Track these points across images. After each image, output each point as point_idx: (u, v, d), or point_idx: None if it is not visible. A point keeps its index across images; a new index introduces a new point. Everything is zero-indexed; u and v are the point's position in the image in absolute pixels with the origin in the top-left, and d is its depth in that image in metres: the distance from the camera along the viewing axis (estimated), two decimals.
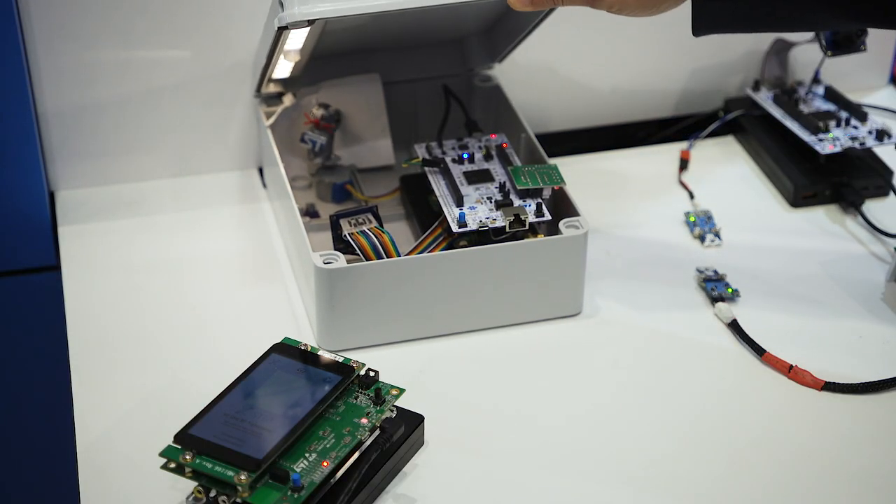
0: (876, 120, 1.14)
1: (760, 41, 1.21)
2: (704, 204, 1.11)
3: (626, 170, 1.16)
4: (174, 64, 1.08)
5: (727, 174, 1.16)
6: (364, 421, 0.81)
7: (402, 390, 0.83)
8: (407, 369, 0.92)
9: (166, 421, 0.88)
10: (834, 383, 0.90)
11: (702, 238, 1.07)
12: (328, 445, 0.79)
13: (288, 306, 0.99)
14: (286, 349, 0.85)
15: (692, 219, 1.08)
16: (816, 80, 1.19)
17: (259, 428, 0.79)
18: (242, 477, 0.75)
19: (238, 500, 0.76)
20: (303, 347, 0.85)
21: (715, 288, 1.00)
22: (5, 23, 0.99)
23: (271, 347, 0.85)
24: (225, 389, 0.82)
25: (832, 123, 1.13)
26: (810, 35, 1.13)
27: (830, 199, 1.11)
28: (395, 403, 0.83)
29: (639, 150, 1.20)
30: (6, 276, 1.09)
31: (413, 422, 0.84)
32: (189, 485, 0.78)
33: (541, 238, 0.94)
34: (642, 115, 1.23)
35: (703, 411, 0.89)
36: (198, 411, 0.81)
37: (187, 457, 0.77)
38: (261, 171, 1.14)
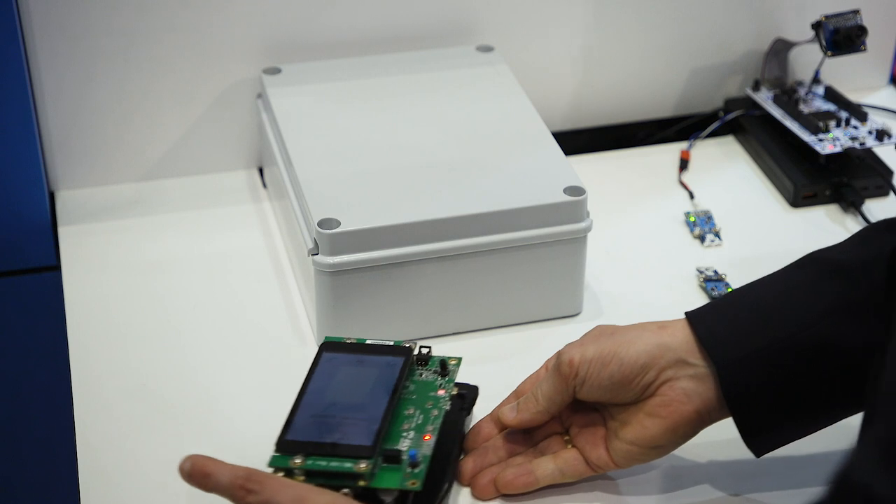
0: (876, 120, 1.14)
1: (760, 41, 1.21)
2: (704, 204, 1.11)
3: (626, 170, 1.16)
4: (174, 64, 1.08)
5: (727, 174, 1.16)
6: (441, 392, 0.83)
7: (459, 359, 0.85)
8: None
9: (167, 421, 0.88)
10: None
11: (702, 238, 1.07)
12: (420, 421, 0.81)
13: (288, 306, 0.99)
14: (335, 346, 0.85)
15: (692, 219, 1.08)
16: (816, 80, 1.19)
17: (353, 419, 0.79)
18: (362, 465, 0.76)
19: (357, 488, 0.77)
20: (349, 341, 0.86)
21: (715, 288, 1.00)
22: (5, 23, 0.99)
23: (321, 346, 0.86)
24: (298, 394, 0.82)
25: (832, 123, 1.13)
26: (810, 35, 1.13)
27: (830, 199, 1.11)
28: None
29: (639, 150, 1.20)
30: (6, 276, 1.09)
31: (473, 389, 0.86)
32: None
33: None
34: (642, 115, 1.23)
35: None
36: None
37: (297, 461, 0.77)
38: (261, 171, 1.14)
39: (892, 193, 1.12)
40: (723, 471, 0.85)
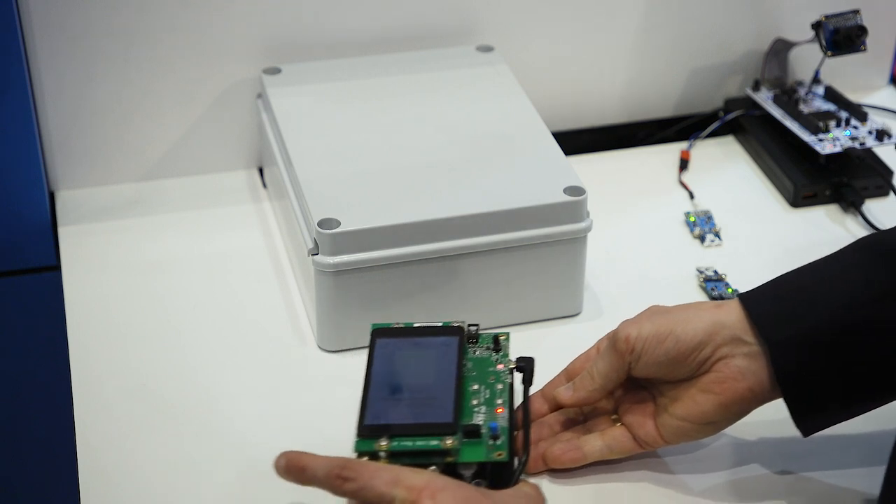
0: (876, 120, 1.14)
1: (760, 41, 1.21)
2: (704, 204, 1.11)
3: (626, 170, 1.16)
4: (174, 64, 1.08)
5: (727, 174, 1.16)
6: (501, 367, 0.84)
7: (508, 334, 0.86)
8: None
9: (167, 421, 0.88)
10: None
11: (702, 238, 1.07)
12: (487, 396, 0.82)
13: (288, 306, 0.99)
14: (385, 332, 0.86)
15: (692, 219, 1.08)
16: (816, 80, 1.19)
17: (426, 398, 0.80)
18: (449, 441, 0.77)
19: (444, 464, 0.78)
20: (396, 325, 0.87)
21: (715, 288, 1.00)
22: (5, 23, 0.99)
23: (372, 334, 0.86)
24: (364, 381, 0.82)
25: (832, 123, 1.13)
26: (810, 35, 1.13)
27: (830, 199, 1.11)
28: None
29: (639, 150, 1.20)
30: (6, 276, 1.09)
31: (530, 361, 0.86)
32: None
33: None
34: (642, 115, 1.23)
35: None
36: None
37: (382, 444, 0.78)
38: (261, 171, 1.14)
39: (892, 193, 1.12)
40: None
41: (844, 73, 1.22)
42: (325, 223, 0.90)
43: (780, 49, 1.20)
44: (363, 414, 0.79)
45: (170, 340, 0.96)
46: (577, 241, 0.95)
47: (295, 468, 0.75)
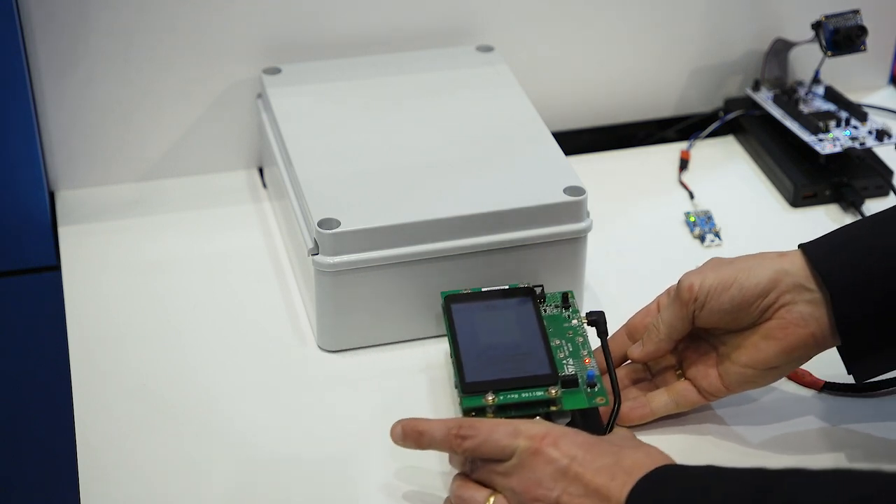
0: (876, 120, 1.14)
1: (760, 41, 1.21)
2: (704, 204, 1.11)
3: (626, 170, 1.16)
4: (174, 64, 1.08)
5: (727, 174, 1.16)
6: (575, 322, 0.89)
7: (572, 291, 0.91)
8: (408, 369, 0.92)
9: (167, 421, 0.88)
10: (834, 383, 0.90)
11: (702, 238, 1.07)
12: (571, 349, 0.87)
13: (288, 306, 0.99)
14: (458, 298, 0.89)
15: (692, 219, 1.08)
16: (816, 80, 1.19)
17: (519, 354, 0.84)
18: (553, 391, 0.82)
19: (549, 413, 0.82)
20: (465, 291, 0.90)
21: None
22: (5, 23, 0.99)
23: (446, 300, 0.89)
24: (453, 344, 0.85)
25: (832, 123, 1.13)
26: (810, 35, 1.13)
27: (830, 199, 1.11)
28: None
29: (639, 150, 1.20)
30: (6, 276, 1.09)
31: (601, 314, 0.88)
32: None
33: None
34: (642, 115, 1.23)
35: (703, 411, 0.89)
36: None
37: (489, 398, 0.81)
38: (261, 171, 1.14)
39: (892, 193, 1.12)
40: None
41: (844, 73, 1.22)
42: (325, 223, 0.90)
43: (780, 49, 1.20)
44: (462, 374, 0.82)
45: (170, 340, 0.96)
46: (577, 241, 0.95)
47: (412, 434, 0.78)
